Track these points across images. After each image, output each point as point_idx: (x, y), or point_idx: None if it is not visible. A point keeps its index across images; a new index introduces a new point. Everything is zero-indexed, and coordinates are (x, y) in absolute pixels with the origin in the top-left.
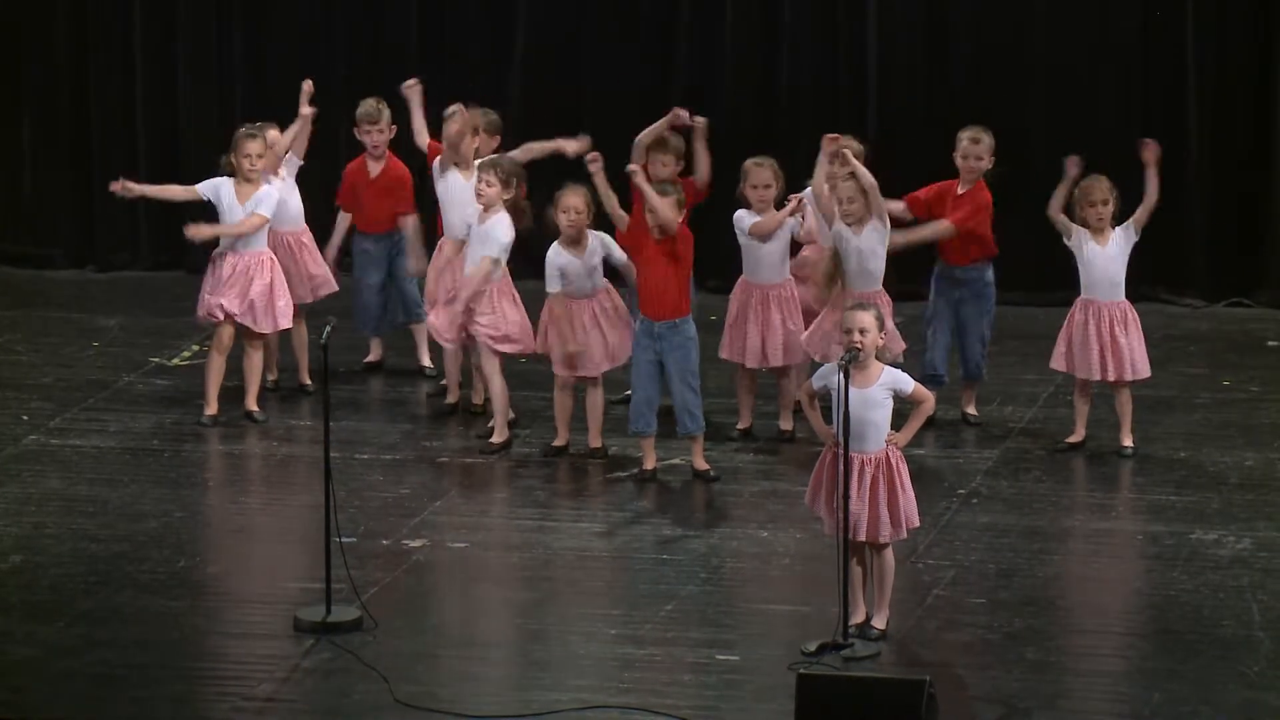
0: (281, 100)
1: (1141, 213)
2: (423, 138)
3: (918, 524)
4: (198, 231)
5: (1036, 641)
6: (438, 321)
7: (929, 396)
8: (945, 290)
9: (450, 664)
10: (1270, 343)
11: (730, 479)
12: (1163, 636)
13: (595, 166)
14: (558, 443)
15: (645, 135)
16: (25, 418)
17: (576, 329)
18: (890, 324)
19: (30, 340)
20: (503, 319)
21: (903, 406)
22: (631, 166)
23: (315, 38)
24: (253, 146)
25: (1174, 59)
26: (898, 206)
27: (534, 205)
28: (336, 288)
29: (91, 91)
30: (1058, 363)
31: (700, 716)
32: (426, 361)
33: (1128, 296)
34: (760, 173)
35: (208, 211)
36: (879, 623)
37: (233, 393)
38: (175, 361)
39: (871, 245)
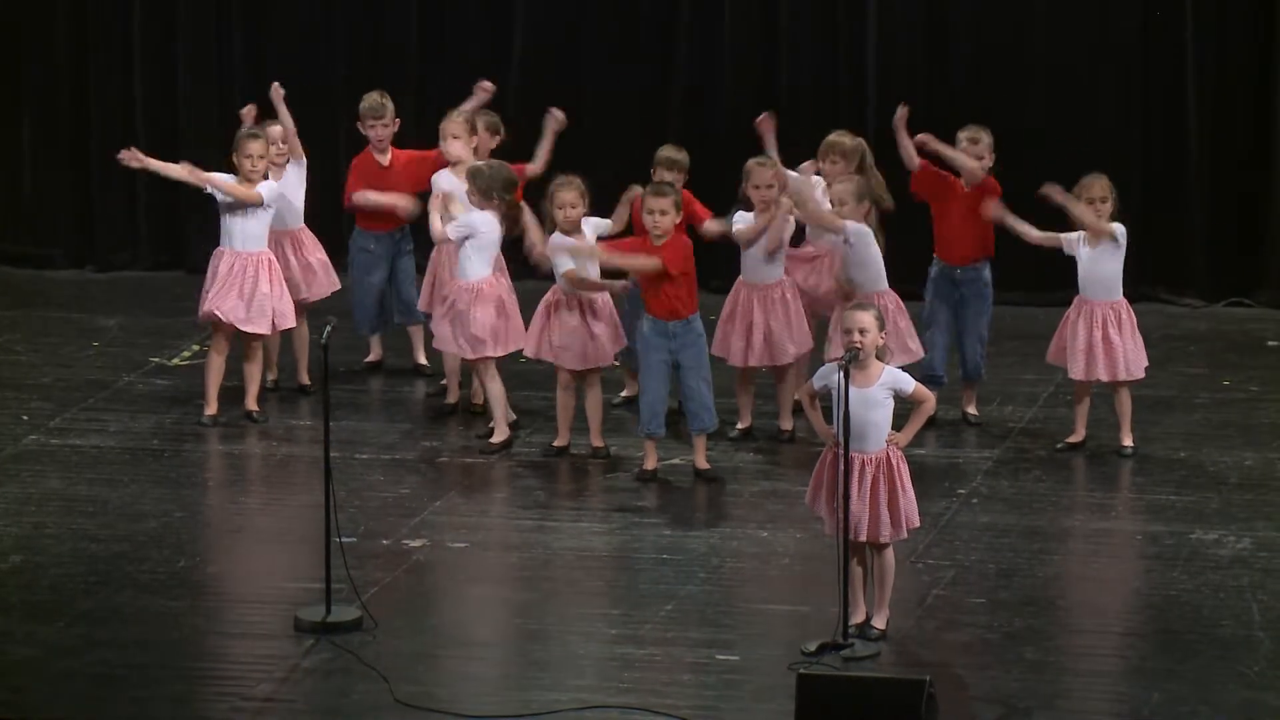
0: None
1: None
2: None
3: (918, 524)
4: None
5: (1036, 641)
6: (439, 332)
7: (930, 397)
8: (945, 291)
9: (450, 664)
10: (1270, 343)
11: (730, 479)
12: (1162, 636)
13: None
14: (558, 443)
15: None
16: (25, 418)
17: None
18: (906, 322)
19: (30, 340)
20: (473, 321)
21: (903, 407)
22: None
23: (315, 37)
24: (254, 147)
25: (1174, 59)
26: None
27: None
28: (338, 285)
29: (91, 91)
30: (1051, 355)
31: (700, 716)
32: (423, 360)
33: (1128, 296)
34: (762, 173)
35: (206, 200)
36: (879, 623)
37: (233, 393)
38: (175, 361)
39: (858, 256)
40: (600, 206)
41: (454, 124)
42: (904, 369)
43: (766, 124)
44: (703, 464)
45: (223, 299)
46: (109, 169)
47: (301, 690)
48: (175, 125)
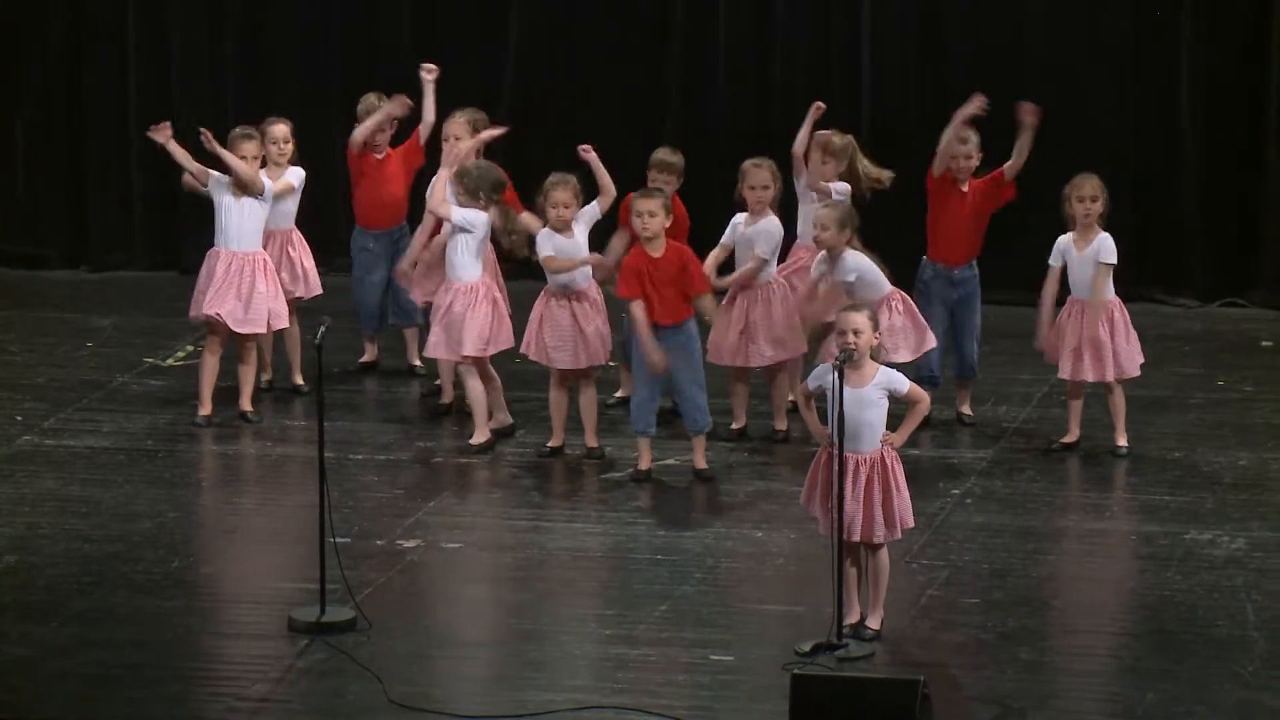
0: (275, 100)
1: (1010, 164)
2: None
3: (912, 524)
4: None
5: (1031, 641)
6: (431, 339)
7: (924, 397)
8: (940, 292)
9: (444, 664)
10: (1264, 343)
11: (725, 479)
12: (1157, 636)
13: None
14: (553, 443)
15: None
16: (19, 418)
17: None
18: (920, 318)
19: (24, 340)
20: (464, 323)
21: (898, 407)
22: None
23: (310, 37)
24: (248, 148)
25: (1169, 59)
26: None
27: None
28: (320, 291)
29: (86, 92)
30: (1047, 348)
31: (695, 717)
32: (417, 361)
33: (1122, 296)
34: (758, 173)
35: (201, 201)
36: (873, 623)
37: (227, 393)
38: (169, 362)
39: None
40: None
41: (457, 125)
42: (900, 367)
43: (817, 113)
44: (701, 464)
45: (221, 300)
46: (103, 169)
47: (296, 690)
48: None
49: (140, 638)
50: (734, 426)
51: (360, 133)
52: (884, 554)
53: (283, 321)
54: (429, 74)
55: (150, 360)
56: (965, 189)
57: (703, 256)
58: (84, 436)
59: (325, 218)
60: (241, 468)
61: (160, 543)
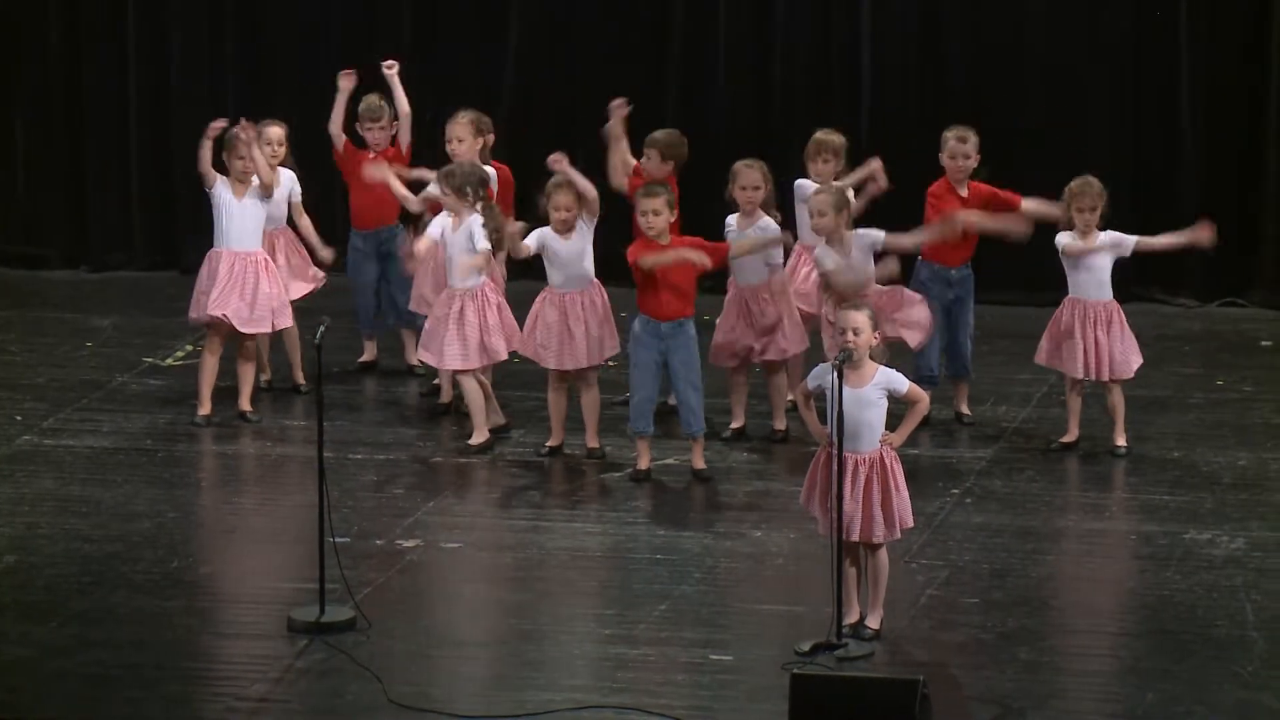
0: (275, 100)
1: (1143, 243)
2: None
3: (911, 524)
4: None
5: (1030, 641)
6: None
7: (923, 397)
8: (938, 292)
9: (444, 664)
10: (1264, 343)
11: (724, 479)
12: (1156, 636)
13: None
14: (552, 443)
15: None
16: (19, 418)
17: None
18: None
19: (24, 340)
20: (442, 327)
21: (897, 408)
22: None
23: (310, 37)
24: (244, 149)
25: (1168, 59)
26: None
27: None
28: (322, 278)
29: (85, 92)
30: (1040, 357)
31: (694, 716)
32: (415, 361)
33: (1121, 296)
34: (749, 174)
35: (201, 200)
36: (873, 623)
37: (226, 393)
38: (169, 362)
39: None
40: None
41: (460, 126)
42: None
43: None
44: (699, 464)
45: (226, 301)
46: (103, 169)
47: (296, 690)
48: (168, 125)
49: (140, 638)
50: (733, 426)
51: (332, 126)
52: (883, 554)
53: (287, 320)
54: (389, 68)
55: (150, 360)
56: (965, 192)
57: None
58: (84, 436)
59: (324, 218)
60: (241, 468)
61: (160, 543)
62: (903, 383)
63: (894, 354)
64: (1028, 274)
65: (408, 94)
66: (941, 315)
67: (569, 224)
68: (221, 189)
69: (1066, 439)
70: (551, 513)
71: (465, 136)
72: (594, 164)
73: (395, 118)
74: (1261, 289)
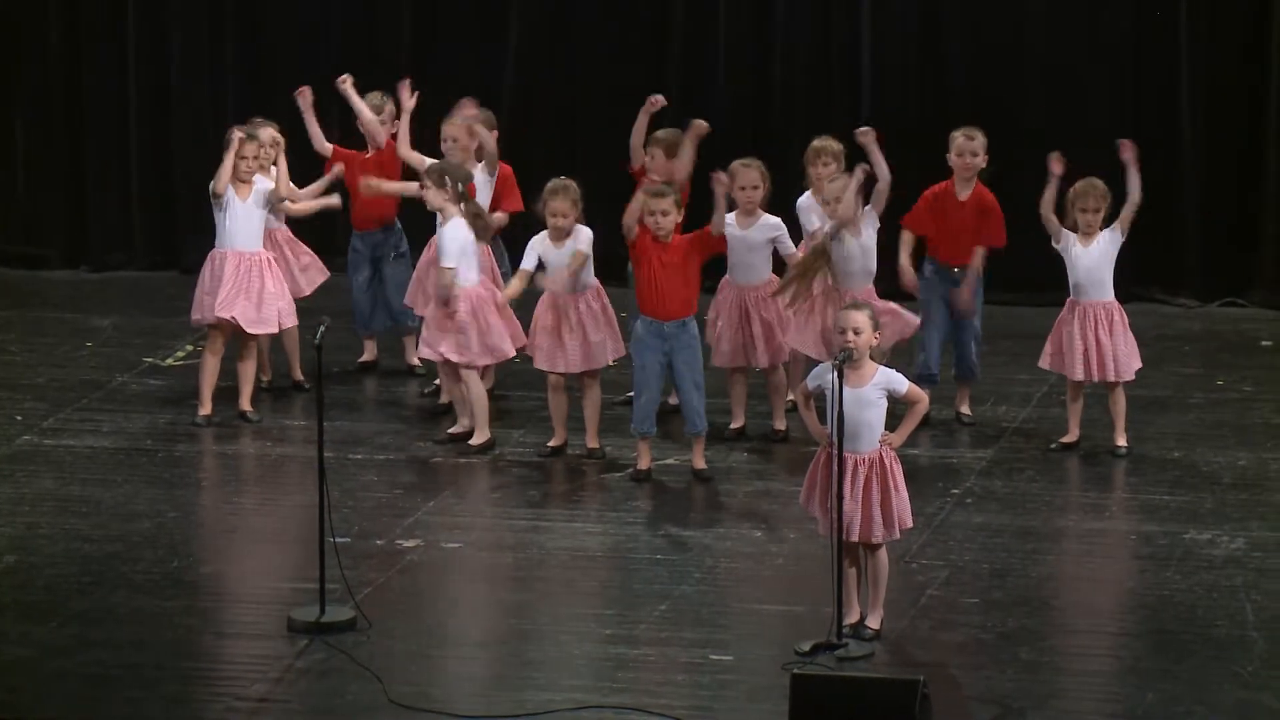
0: (274, 100)
1: (1127, 212)
2: (322, 144)
3: (910, 525)
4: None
5: (1030, 641)
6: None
7: (923, 397)
8: (940, 290)
9: (444, 664)
10: (1264, 342)
11: (724, 479)
12: (1156, 636)
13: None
14: (554, 443)
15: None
16: (19, 418)
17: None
18: (892, 305)
19: (24, 340)
20: (463, 328)
21: (896, 407)
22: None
23: (310, 37)
24: (247, 149)
25: (1168, 59)
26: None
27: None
28: (328, 274)
29: (85, 92)
30: (1044, 361)
31: (694, 716)
32: (415, 361)
33: (1121, 296)
34: (747, 173)
35: (201, 200)
36: (873, 623)
37: (226, 393)
38: (169, 362)
39: (871, 243)
40: (592, 207)
41: (455, 127)
42: (900, 367)
43: (868, 138)
44: (699, 464)
45: (233, 303)
46: (103, 169)
47: (296, 691)
48: (168, 125)
49: (140, 638)
50: (733, 426)
51: (315, 145)
52: (883, 554)
53: (292, 320)
54: (343, 82)
55: (150, 360)
56: (964, 196)
57: None
58: (84, 436)
59: (323, 218)
60: (241, 467)
61: (160, 543)
62: (902, 383)
63: (896, 353)
64: (1028, 274)
65: (409, 95)
66: (945, 313)
67: (562, 230)
68: (230, 191)
69: (1067, 439)
70: (551, 513)
71: (460, 136)
72: (595, 163)
73: (397, 115)
74: (1261, 289)
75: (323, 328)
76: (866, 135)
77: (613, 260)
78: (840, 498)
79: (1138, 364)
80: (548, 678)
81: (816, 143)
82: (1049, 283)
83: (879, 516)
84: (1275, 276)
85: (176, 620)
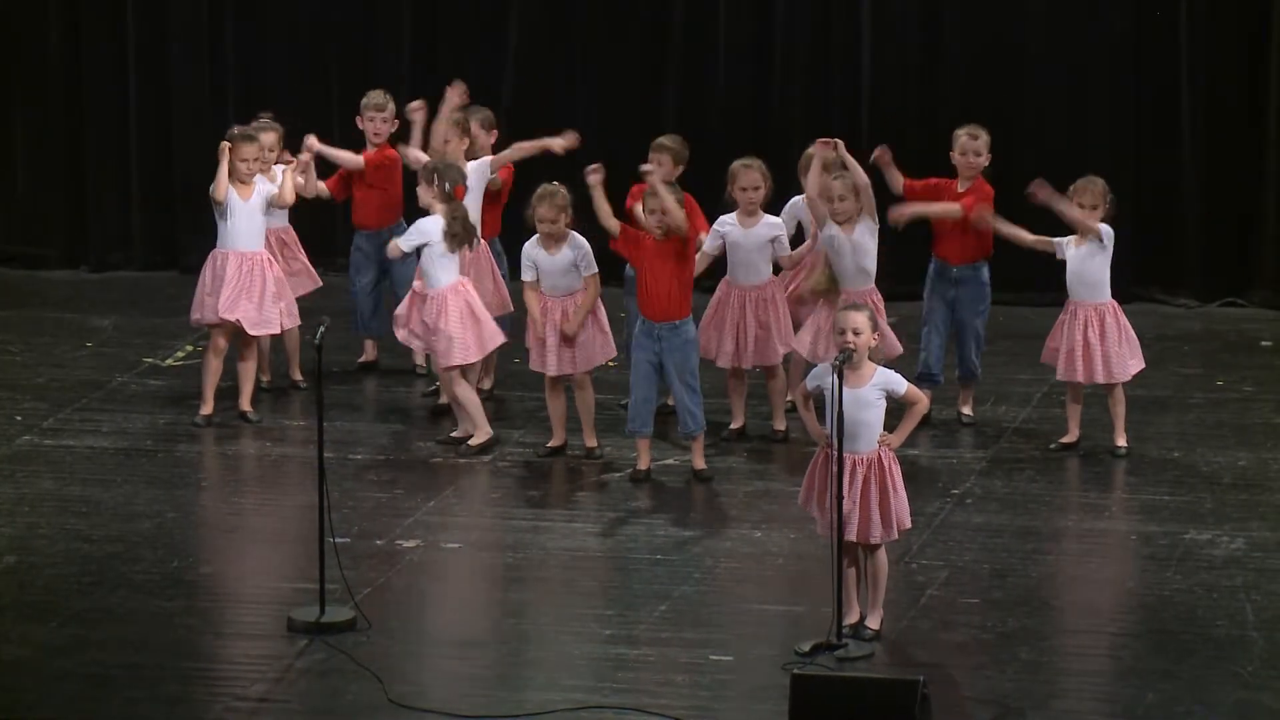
0: (274, 99)
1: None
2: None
3: (909, 525)
4: None
5: (1030, 641)
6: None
7: (922, 397)
8: (941, 290)
9: (444, 664)
10: (1264, 343)
11: (724, 479)
12: (1156, 636)
13: (595, 179)
14: (553, 443)
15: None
16: (19, 418)
17: (543, 322)
18: (884, 324)
19: (24, 340)
20: (445, 328)
21: (895, 407)
22: (645, 166)
23: (308, 36)
24: (247, 150)
25: (1169, 59)
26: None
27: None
28: (319, 283)
29: (85, 91)
30: (1047, 356)
31: (694, 717)
32: (420, 361)
33: (1121, 297)
34: (748, 174)
35: (201, 200)
36: (873, 623)
37: (226, 393)
38: (169, 362)
39: (864, 242)
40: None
41: (444, 126)
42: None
43: (884, 157)
44: (699, 464)
45: (236, 304)
46: (103, 169)
47: (295, 691)
48: (169, 124)
49: (139, 638)
50: (732, 426)
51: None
52: (882, 554)
53: (294, 319)
54: (309, 149)
55: (150, 360)
56: (962, 189)
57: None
58: (83, 436)
59: (323, 218)
60: (241, 468)
61: (159, 543)
62: (901, 383)
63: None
64: (1028, 274)
65: (409, 94)
66: (946, 312)
67: (551, 236)
68: (232, 192)
69: (1067, 439)
70: (551, 513)
71: (451, 138)
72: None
73: (397, 115)
74: (1261, 289)
75: (323, 328)
76: (884, 156)
77: (607, 261)
78: (840, 498)
79: (1136, 365)
80: (547, 678)
81: (810, 151)
82: (1050, 283)
83: (877, 517)
84: (1275, 276)
85: (176, 620)
